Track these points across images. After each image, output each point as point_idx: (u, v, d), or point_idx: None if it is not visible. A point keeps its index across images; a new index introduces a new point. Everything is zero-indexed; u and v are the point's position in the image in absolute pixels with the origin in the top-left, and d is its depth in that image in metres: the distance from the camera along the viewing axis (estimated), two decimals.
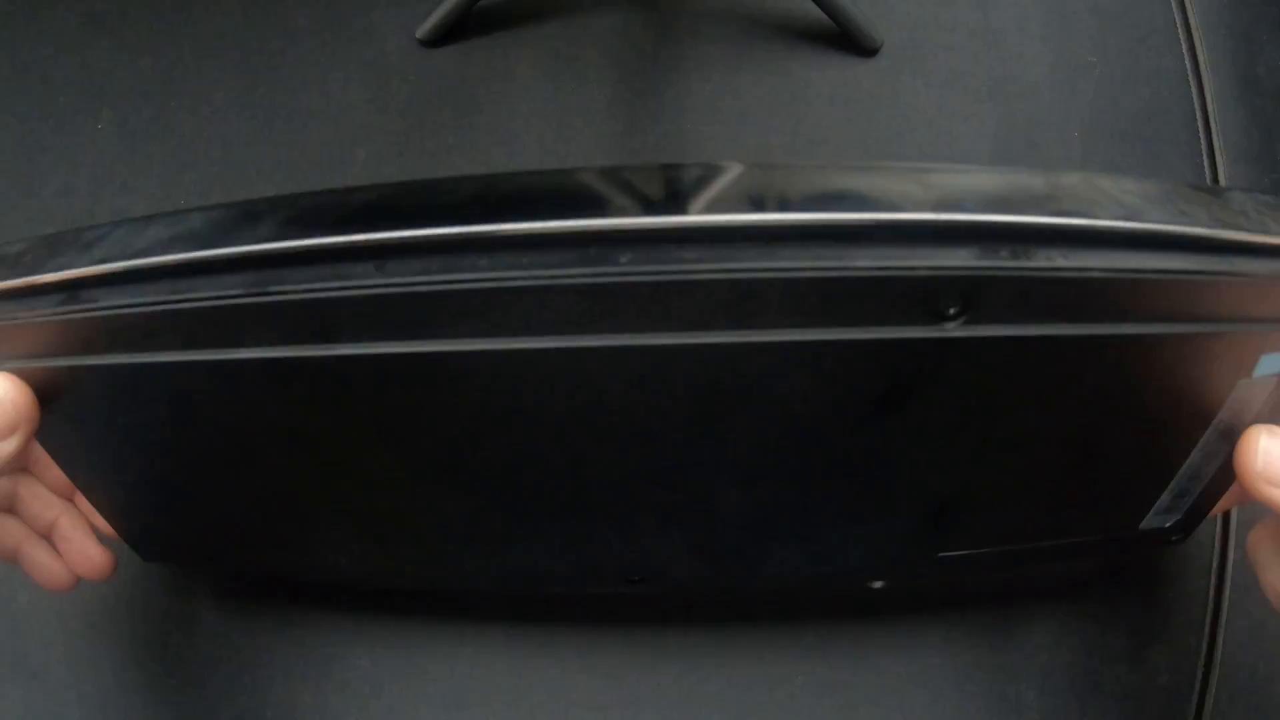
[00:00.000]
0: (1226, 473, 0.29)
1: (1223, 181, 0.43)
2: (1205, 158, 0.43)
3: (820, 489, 0.28)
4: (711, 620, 0.40)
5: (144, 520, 0.32)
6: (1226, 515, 0.40)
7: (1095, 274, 0.22)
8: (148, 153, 0.46)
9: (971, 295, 0.21)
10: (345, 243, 0.21)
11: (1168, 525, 0.32)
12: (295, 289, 0.22)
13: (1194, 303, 0.24)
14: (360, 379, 0.24)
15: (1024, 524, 0.32)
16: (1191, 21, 0.45)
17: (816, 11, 0.44)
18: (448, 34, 0.46)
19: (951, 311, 0.22)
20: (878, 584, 0.37)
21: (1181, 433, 0.28)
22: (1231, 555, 0.40)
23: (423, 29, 0.46)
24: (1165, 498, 0.31)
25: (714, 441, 0.26)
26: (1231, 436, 0.28)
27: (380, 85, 0.46)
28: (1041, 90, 0.44)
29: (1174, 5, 0.46)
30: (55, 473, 0.30)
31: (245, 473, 0.28)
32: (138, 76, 0.47)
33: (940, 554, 0.31)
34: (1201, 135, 0.44)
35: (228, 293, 0.22)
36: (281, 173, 0.45)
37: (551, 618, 0.40)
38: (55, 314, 0.24)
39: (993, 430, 0.26)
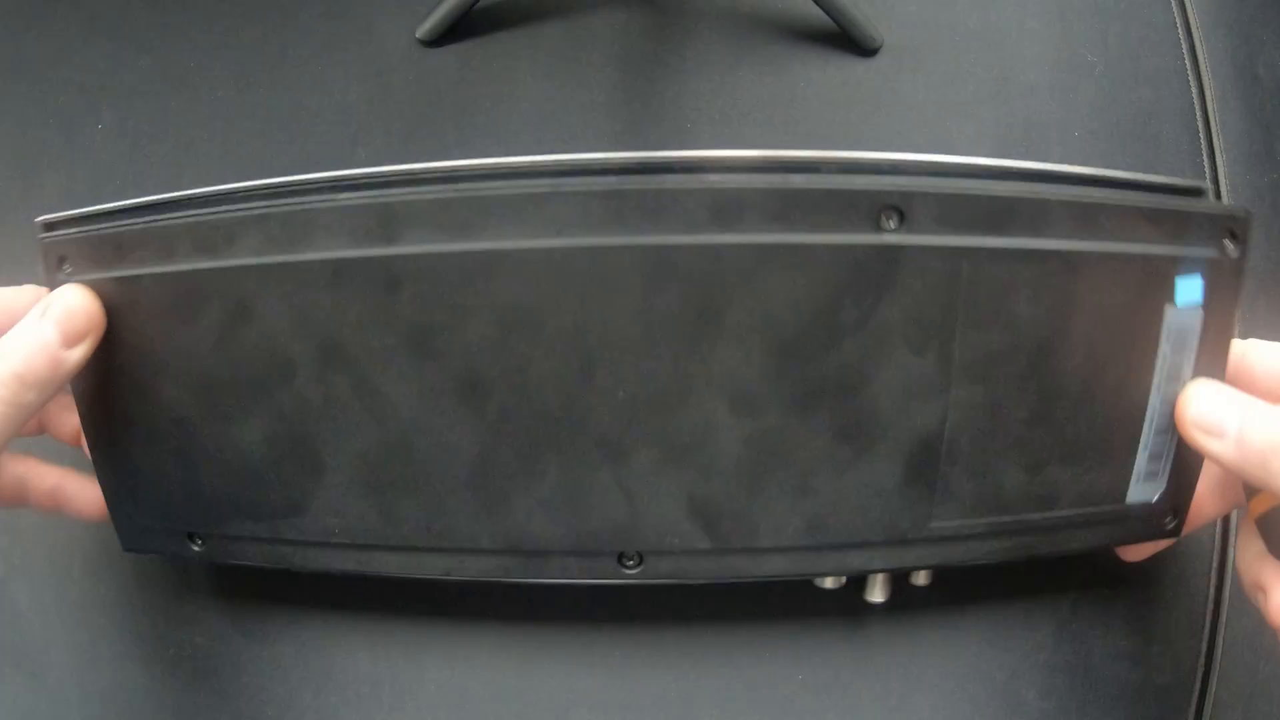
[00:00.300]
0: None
1: (1223, 181, 0.43)
2: (1205, 158, 0.43)
3: (805, 423, 0.30)
4: (712, 620, 0.40)
5: (142, 484, 0.32)
6: (1226, 516, 0.40)
7: (1001, 194, 0.29)
8: (148, 153, 0.46)
9: (904, 210, 0.28)
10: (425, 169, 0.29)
11: (1155, 499, 0.33)
12: (367, 195, 0.28)
13: (1096, 226, 0.30)
14: (410, 276, 0.28)
15: (1008, 491, 0.33)
16: (1191, 21, 0.45)
17: (816, 11, 0.44)
18: (448, 34, 0.46)
19: (891, 225, 0.28)
20: (878, 600, 0.37)
21: (1132, 371, 0.31)
22: (1231, 555, 0.40)
23: (423, 29, 0.46)
24: (1142, 460, 0.32)
25: (703, 350, 0.29)
26: (1179, 378, 0.31)
27: (380, 85, 0.46)
28: (1041, 90, 0.44)
29: (1174, 5, 0.46)
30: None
31: (266, 408, 0.30)
32: (138, 76, 0.47)
33: (932, 524, 0.32)
34: (1201, 135, 0.44)
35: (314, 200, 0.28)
36: (281, 173, 0.45)
37: (552, 618, 0.40)
38: (145, 222, 0.29)
39: (950, 352, 0.30)
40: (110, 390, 0.31)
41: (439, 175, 0.28)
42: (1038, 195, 0.29)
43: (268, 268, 0.29)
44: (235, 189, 0.29)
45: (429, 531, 0.31)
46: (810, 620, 0.40)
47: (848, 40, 0.44)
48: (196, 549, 0.34)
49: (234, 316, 0.29)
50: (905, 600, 0.40)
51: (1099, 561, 0.39)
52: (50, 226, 0.32)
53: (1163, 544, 0.36)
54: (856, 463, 0.31)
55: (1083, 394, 0.32)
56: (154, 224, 0.29)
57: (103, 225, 0.30)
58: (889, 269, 0.29)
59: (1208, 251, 0.31)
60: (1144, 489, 0.33)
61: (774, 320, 0.29)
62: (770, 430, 0.30)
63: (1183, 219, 0.31)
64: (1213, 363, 0.32)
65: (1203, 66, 0.44)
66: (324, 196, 0.28)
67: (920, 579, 0.36)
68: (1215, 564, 0.40)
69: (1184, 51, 0.45)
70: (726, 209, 0.28)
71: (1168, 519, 0.34)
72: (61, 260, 0.30)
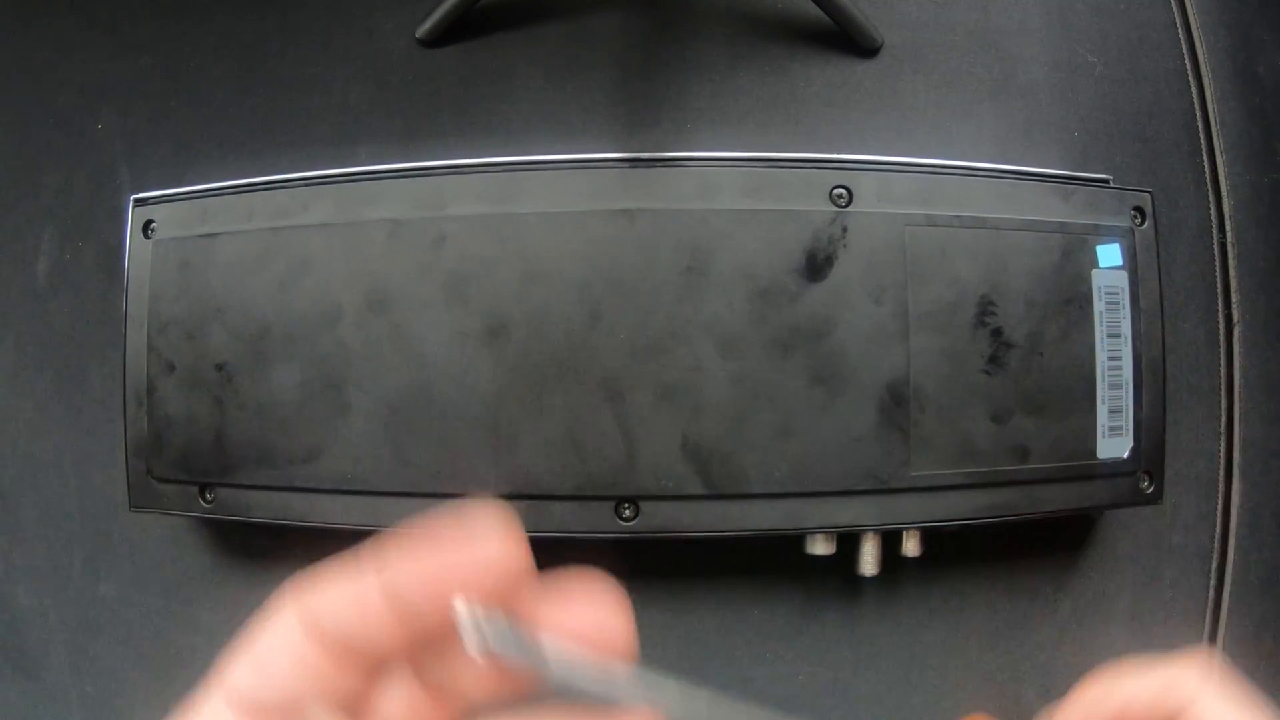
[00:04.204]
0: (1149, 387, 0.36)
1: (1223, 181, 0.43)
2: (1205, 158, 0.43)
3: (782, 365, 0.34)
4: (712, 619, 0.40)
5: (172, 432, 0.35)
6: (1226, 515, 0.40)
7: (930, 175, 0.36)
8: (148, 153, 0.46)
9: (851, 188, 0.35)
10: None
11: (1126, 454, 0.36)
12: (424, 172, 0.35)
13: (1014, 200, 0.36)
14: (453, 235, 0.33)
15: (979, 440, 0.35)
16: (1191, 21, 0.45)
17: (816, 11, 0.44)
18: (448, 34, 0.46)
19: (841, 200, 0.35)
20: (870, 572, 0.36)
21: (1074, 326, 0.36)
22: (1231, 555, 0.40)
23: (423, 29, 0.46)
24: (1104, 414, 0.36)
25: (694, 299, 0.34)
26: (1119, 334, 0.36)
27: (380, 85, 0.46)
28: (1041, 90, 0.44)
29: (1174, 5, 0.46)
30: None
31: (308, 353, 0.34)
32: (138, 76, 0.47)
33: (912, 471, 0.35)
34: (1201, 135, 0.44)
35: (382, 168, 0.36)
36: (281, 173, 0.45)
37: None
38: (231, 190, 0.36)
39: (905, 303, 0.35)
40: (163, 339, 0.35)
41: (482, 166, 0.35)
42: (961, 176, 0.36)
43: (333, 226, 0.34)
44: (310, 176, 0.36)
45: (439, 475, 0.33)
46: (810, 620, 0.40)
47: (848, 40, 0.44)
48: (206, 504, 0.35)
49: (296, 270, 0.34)
50: (905, 600, 0.40)
51: (1096, 558, 0.39)
52: (140, 203, 0.37)
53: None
54: (833, 405, 0.34)
55: (1031, 346, 0.36)
56: (238, 191, 0.36)
57: (189, 196, 0.37)
58: (843, 233, 0.35)
59: (1120, 223, 0.36)
60: (1112, 445, 0.36)
61: (752, 273, 0.34)
62: (753, 371, 0.34)
63: (1092, 196, 0.37)
64: (1144, 319, 0.36)
65: (1203, 66, 0.44)
66: (386, 174, 0.35)
67: (910, 547, 0.37)
68: (1215, 564, 0.40)
69: (1184, 51, 0.45)
70: (710, 185, 0.34)
71: (1144, 482, 0.37)
72: (149, 223, 0.36)
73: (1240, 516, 0.40)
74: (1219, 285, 0.42)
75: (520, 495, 0.33)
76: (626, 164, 0.34)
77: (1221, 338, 0.42)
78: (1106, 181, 0.38)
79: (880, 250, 0.35)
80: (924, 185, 0.36)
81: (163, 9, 0.48)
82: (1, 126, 0.47)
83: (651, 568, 0.40)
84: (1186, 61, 0.45)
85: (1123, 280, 0.36)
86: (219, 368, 0.34)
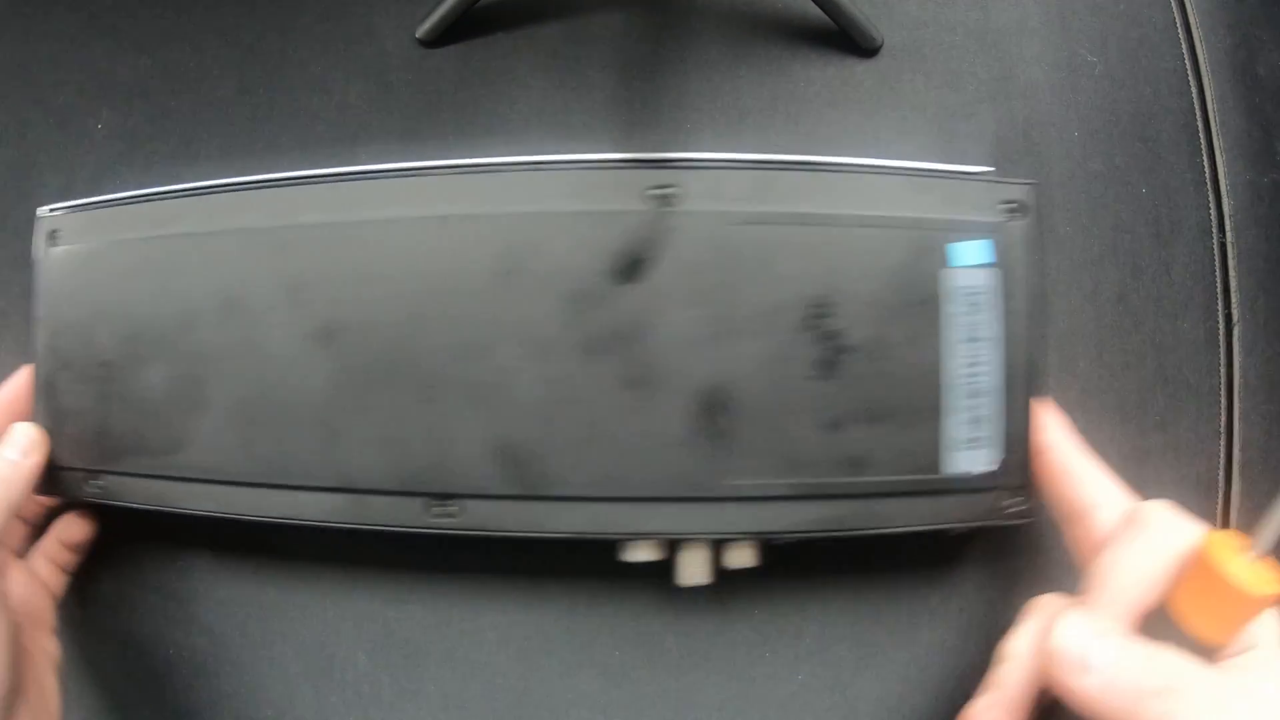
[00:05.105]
0: (1016, 397, 0.33)
1: (1222, 181, 0.43)
2: (1205, 158, 0.44)
3: (593, 369, 0.34)
4: (711, 620, 0.40)
5: (68, 425, 0.37)
6: (1226, 515, 0.40)
7: (760, 170, 0.34)
8: (148, 153, 0.46)
9: (671, 185, 0.34)
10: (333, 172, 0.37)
11: (989, 468, 0.34)
12: (274, 185, 0.37)
13: (857, 196, 0.34)
14: (294, 242, 0.36)
15: (804, 449, 0.34)
16: (1191, 21, 0.45)
17: (816, 11, 0.44)
18: (448, 34, 0.46)
19: (666, 199, 0.34)
20: (692, 582, 0.36)
21: (927, 330, 0.33)
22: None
23: (423, 29, 0.46)
24: (956, 426, 0.33)
25: (508, 302, 0.34)
26: (981, 338, 0.33)
27: (380, 85, 0.46)
28: (1041, 90, 0.44)
29: (1174, 5, 0.46)
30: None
31: (173, 353, 0.36)
32: (138, 76, 0.47)
33: (728, 480, 0.34)
34: (1201, 135, 0.44)
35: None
36: (281, 173, 0.45)
37: (552, 618, 0.40)
38: (111, 204, 0.38)
39: (724, 307, 0.34)
40: (61, 340, 0.37)
41: (323, 176, 0.37)
42: (802, 171, 0.34)
43: (196, 235, 0.36)
44: (183, 188, 0.38)
45: (278, 469, 0.35)
46: (810, 620, 0.40)
47: (848, 40, 0.44)
48: (93, 489, 0.38)
49: (166, 276, 0.36)
50: (904, 600, 0.39)
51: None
52: (49, 213, 0.39)
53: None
54: (646, 410, 0.34)
55: (868, 352, 0.33)
56: (131, 202, 0.38)
57: (91, 207, 0.39)
58: (664, 234, 0.34)
59: (992, 218, 0.34)
60: (966, 459, 0.34)
61: (565, 275, 0.34)
62: (564, 374, 0.34)
63: (958, 189, 0.34)
64: (1021, 324, 0.33)
65: (1203, 66, 0.44)
66: (243, 186, 0.37)
67: (743, 558, 0.35)
68: None
69: (1184, 51, 0.45)
70: (532, 188, 0.35)
71: (1008, 500, 0.34)
72: (54, 232, 0.38)
73: (1240, 516, 0.40)
74: (1218, 285, 0.42)
75: (346, 489, 0.35)
76: (451, 170, 0.35)
77: (1221, 337, 0.42)
78: (986, 173, 0.35)
79: (703, 251, 0.34)
80: (758, 182, 0.34)
81: (163, 9, 0.48)
82: (1, 126, 0.47)
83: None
84: (1186, 61, 0.45)
85: (991, 279, 0.33)
86: (103, 365, 0.37)
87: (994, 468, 0.34)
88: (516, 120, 0.45)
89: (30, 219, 0.39)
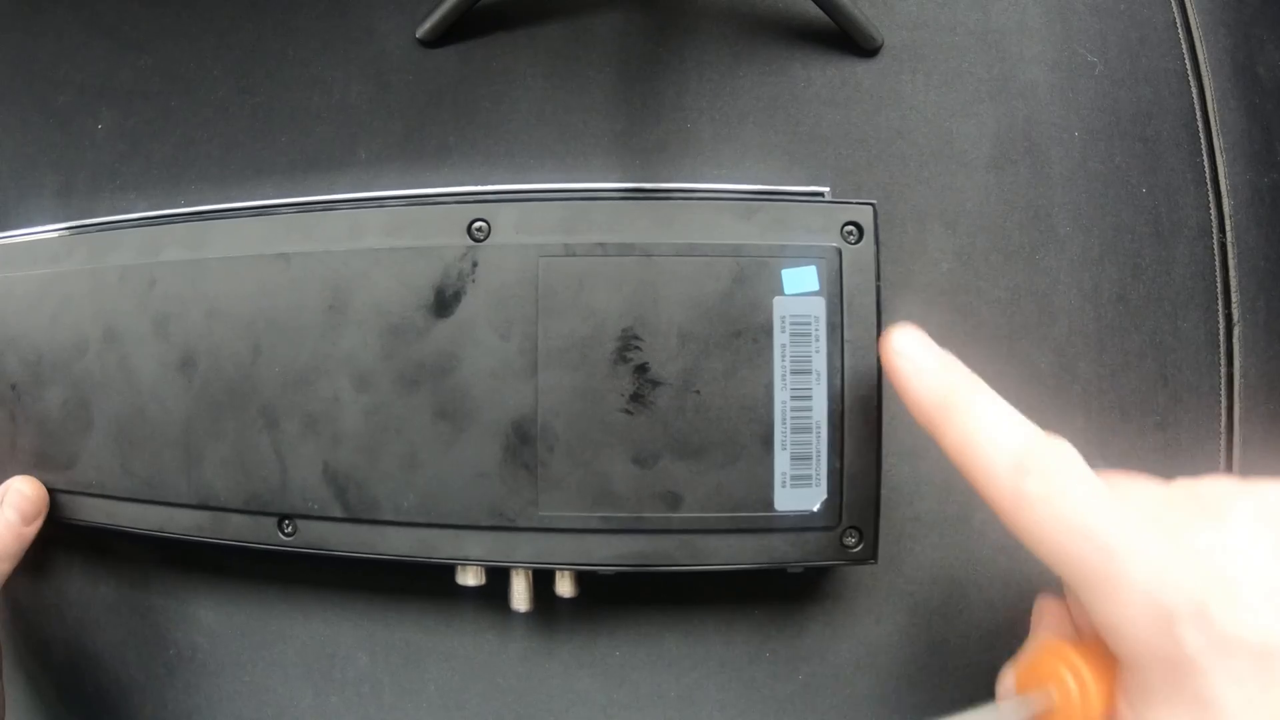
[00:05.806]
0: (854, 432, 0.33)
1: (1223, 181, 0.43)
2: (1205, 158, 0.44)
3: (409, 400, 0.35)
4: (711, 621, 0.40)
5: None
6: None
7: (576, 198, 0.36)
8: (148, 153, 0.46)
9: (489, 220, 0.36)
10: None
11: (816, 508, 0.33)
12: (146, 225, 0.40)
13: (677, 224, 0.34)
14: (162, 278, 0.39)
15: (619, 482, 0.34)
16: (1191, 21, 0.45)
17: (816, 11, 0.44)
18: (448, 34, 0.46)
19: (479, 233, 0.36)
20: (520, 608, 0.37)
21: (747, 361, 0.33)
22: None
23: (423, 29, 0.46)
24: (784, 461, 0.33)
25: (333, 336, 0.36)
26: (809, 370, 0.33)
27: (380, 85, 0.46)
28: (1041, 90, 0.44)
29: (1174, 5, 0.46)
30: None
31: (67, 376, 0.39)
32: (138, 76, 0.47)
33: (540, 511, 0.34)
34: (1201, 135, 0.44)
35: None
36: (281, 173, 0.45)
37: (552, 618, 0.40)
38: (15, 239, 0.41)
39: (534, 339, 0.34)
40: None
41: (182, 216, 0.40)
42: (613, 200, 0.35)
43: (84, 271, 0.40)
44: (73, 225, 0.41)
45: (153, 485, 0.38)
46: (810, 621, 0.40)
47: (848, 40, 0.44)
48: None
49: (61, 307, 0.40)
50: (904, 600, 0.39)
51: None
52: None
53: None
54: (458, 441, 0.35)
55: (685, 383, 0.33)
56: (38, 234, 0.41)
57: (5, 239, 0.42)
58: (473, 268, 0.35)
59: (824, 242, 0.33)
60: (795, 497, 0.33)
61: (384, 310, 0.36)
62: (383, 405, 0.35)
63: (785, 213, 0.34)
64: (852, 354, 0.33)
65: (1203, 66, 0.44)
66: (122, 224, 0.41)
67: (563, 588, 0.36)
68: None
69: (1184, 51, 0.45)
70: (357, 226, 0.37)
71: (847, 537, 0.34)
72: None
73: None
74: (1218, 285, 0.42)
75: (208, 506, 0.37)
76: (294, 209, 0.38)
77: (1221, 337, 0.42)
78: (820, 195, 0.34)
79: (511, 284, 0.35)
80: (569, 214, 0.34)
81: (163, 9, 0.48)
82: (1, 126, 0.47)
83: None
84: (1186, 61, 0.45)
85: (818, 308, 0.33)
86: (13, 387, 0.40)
87: (815, 508, 0.33)
88: (516, 120, 0.45)
89: (31, 220, 0.39)
